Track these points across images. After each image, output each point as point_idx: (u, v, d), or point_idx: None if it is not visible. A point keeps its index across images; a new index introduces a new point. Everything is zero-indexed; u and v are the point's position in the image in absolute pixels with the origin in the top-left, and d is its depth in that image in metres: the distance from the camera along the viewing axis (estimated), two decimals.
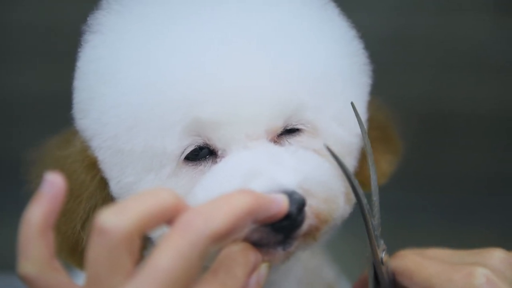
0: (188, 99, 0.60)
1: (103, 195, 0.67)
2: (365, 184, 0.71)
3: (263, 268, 0.58)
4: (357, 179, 0.66)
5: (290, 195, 0.58)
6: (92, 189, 0.67)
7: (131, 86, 0.62)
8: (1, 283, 1.26)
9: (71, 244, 0.68)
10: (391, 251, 0.68)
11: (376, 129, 0.74)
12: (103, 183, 0.67)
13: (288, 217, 0.58)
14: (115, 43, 0.65)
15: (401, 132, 0.81)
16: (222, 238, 0.51)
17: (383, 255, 0.65)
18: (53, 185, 0.54)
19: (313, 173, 0.62)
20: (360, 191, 0.64)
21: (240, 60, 0.61)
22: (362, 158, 0.71)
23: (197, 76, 0.60)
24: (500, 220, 1.55)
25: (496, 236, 1.50)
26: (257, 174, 0.60)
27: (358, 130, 0.68)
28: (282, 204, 0.57)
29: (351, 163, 0.69)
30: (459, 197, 1.58)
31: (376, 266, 0.65)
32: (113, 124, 0.63)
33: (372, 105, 0.71)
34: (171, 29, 0.63)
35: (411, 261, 0.66)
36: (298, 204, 0.58)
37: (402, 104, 1.57)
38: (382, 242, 0.66)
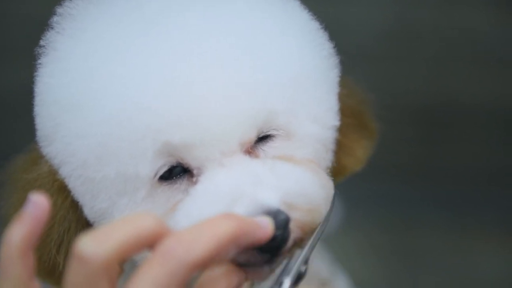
0: (156, 125, 0.59)
1: (76, 216, 0.66)
2: (341, 172, 0.71)
3: (245, 287, 0.58)
4: (333, 169, 0.66)
5: (275, 216, 0.57)
6: (64, 212, 0.65)
7: (95, 117, 0.60)
8: None
9: (48, 268, 0.67)
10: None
11: (350, 116, 0.72)
12: (75, 205, 0.65)
13: (274, 238, 0.56)
14: (73, 70, 0.62)
15: (375, 114, 0.79)
16: (203, 266, 0.50)
17: (287, 283, 0.58)
18: (36, 206, 0.53)
19: (294, 186, 0.61)
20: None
21: (205, 77, 0.59)
22: (338, 148, 0.70)
23: (163, 100, 0.59)
24: (501, 213, 1.55)
25: (498, 229, 1.50)
26: (239, 197, 0.58)
27: (332, 122, 0.67)
28: (267, 229, 0.55)
29: (328, 157, 0.67)
30: (459, 190, 1.58)
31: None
32: (81, 153, 0.61)
33: (343, 92, 0.69)
34: (129, 51, 0.61)
35: None
36: (284, 225, 0.57)
37: (401, 97, 1.59)
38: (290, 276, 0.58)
